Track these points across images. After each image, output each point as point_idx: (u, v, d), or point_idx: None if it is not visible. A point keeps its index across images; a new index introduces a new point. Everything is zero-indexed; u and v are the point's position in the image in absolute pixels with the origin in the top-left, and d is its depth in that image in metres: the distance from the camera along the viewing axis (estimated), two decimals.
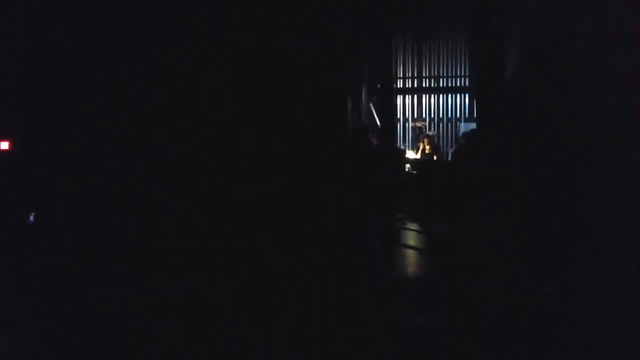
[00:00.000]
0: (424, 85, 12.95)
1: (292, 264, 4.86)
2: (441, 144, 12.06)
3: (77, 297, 4.07)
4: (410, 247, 6.22)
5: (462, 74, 12.73)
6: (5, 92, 5.36)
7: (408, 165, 8.89)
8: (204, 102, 5.55)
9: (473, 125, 10.09)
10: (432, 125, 12.70)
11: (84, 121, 5.40)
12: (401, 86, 12.97)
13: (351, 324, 3.62)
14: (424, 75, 12.93)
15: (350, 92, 7.62)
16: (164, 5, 5.46)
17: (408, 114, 12.90)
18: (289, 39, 5.73)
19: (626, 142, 4.04)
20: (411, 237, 6.71)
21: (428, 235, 6.77)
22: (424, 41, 12.75)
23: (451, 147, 11.95)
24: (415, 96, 12.92)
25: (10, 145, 5.42)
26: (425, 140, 9.27)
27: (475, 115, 11.12)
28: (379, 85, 9.57)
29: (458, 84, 12.79)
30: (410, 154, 10.06)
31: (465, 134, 8.69)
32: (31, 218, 5.29)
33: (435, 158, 9.04)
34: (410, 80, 12.99)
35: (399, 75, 12.89)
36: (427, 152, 9.08)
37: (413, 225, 7.20)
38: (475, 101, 11.14)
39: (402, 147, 11.56)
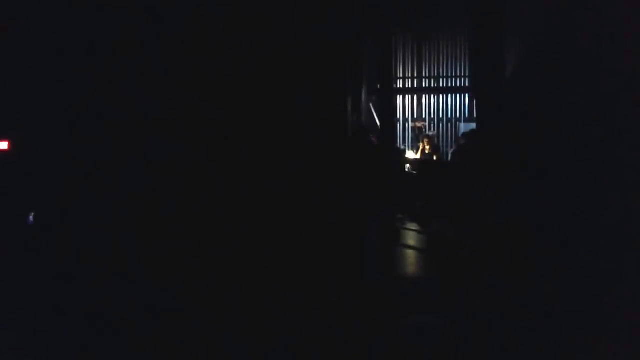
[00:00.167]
0: (423, 85, 12.95)
1: (292, 264, 4.86)
2: (441, 144, 12.07)
3: (77, 297, 4.06)
4: (410, 247, 6.22)
5: (462, 74, 12.73)
6: (5, 92, 5.36)
7: (408, 166, 8.90)
8: (204, 102, 5.55)
9: (473, 126, 10.09)
10: (432, 125, 12.71)
11: (84, 121, 5.39)
12: (401, 86, 12.97)
13: (351, 324, 3.62)
14: (423, 75, 12.94)
15: (350, 92, 7.62)
16: (164, 5, 5.46)
17: (408, 114, 12.91)
18: (288, 39, 5.73)
19: (626, 142, 4.04)
20: (411, 237, 6.70)
21: (428, 235, 6.77)
22: (424, 41, 12.76)
23: (451, 147, 11.96)
24: (415, 96, 12.93)
25: (9, 146, 5.42)
26: (425, 141, 9.27)
27: (475, 116, 11.13)
28: (379, 86, 9.57)
29: (458, 84, 12.80)
30: (410, 154, 10.06)
31: (464, 134, 8.70)
32: (31, 218, 5.29)
33: (435, 158, 9.04)
34: (410, 80, 12.99)
35: (398, 76, 12.90)
36: (427, 152, 9.08)
37: (413, 225, 7.20)
38: (475, 101, 11.14)
39: (402, 147, 11.57)
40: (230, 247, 4.99)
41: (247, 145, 5.53)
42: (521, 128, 5.25)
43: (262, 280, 4.44)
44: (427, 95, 12.88)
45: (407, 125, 12.84)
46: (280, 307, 3.89)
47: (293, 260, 4.92)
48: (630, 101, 4.02)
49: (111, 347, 3.28)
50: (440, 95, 12.82)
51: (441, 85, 12.87)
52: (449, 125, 12.71)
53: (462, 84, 12.74)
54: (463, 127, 11.69)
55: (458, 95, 12.73)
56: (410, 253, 6.00)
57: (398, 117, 12.76)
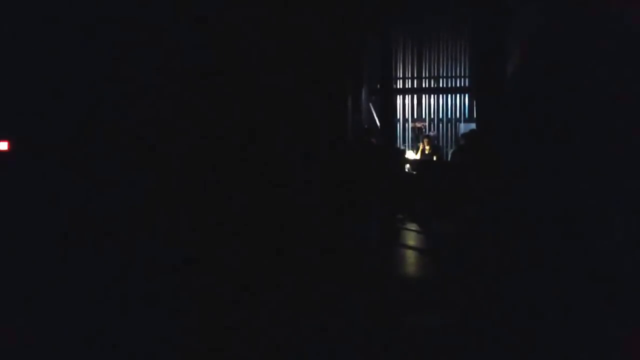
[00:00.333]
0: (423, 85, 12.95)
1: (292, 264, 4.86)
2: (441, 144, 12.07)
3: (77, 297, 4.06)
4: (410, 247, 6.22)
5: (462, 74, 12.73)
6: (4, 92, 5.36)
7: (408, 166, 8.90)
8: (204, 102, 5.55)
9: (473, 126, 10.09)
10: (432, 125, 12.71)
11: (84, 121, 5.39)
12: (401, 86, 12.98)
13: (351, 324, 3.62)
14: (423, 75, 12.94)
15: (350, 92, 7.62)
16: (165, 6, 5.46)
17: (408, 114, 12.91)
18: (289, 39, 5.73)
19: (626, 142, 4.04)
20: (411, 237, 6.70)
21: (428, 235, 6.77)
22: (424, 42, 12.76)
23: (451, 147, 11.96)
24: (415, 96, 12.92)
25: (9, 146, 5.41)
26: (425, 141, 9.28)
27: (475, 116, 11.14)
28: (378, 86, 9.57)
29: (458, 85, 12.80)
30: (410, 155, 10.07)
31: (464, 134, 8.70)
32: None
33: (435, 158, 9.04)
34: (410, 80, 12.99)
35: (398, 76, 12.90)
36: (426, 152, 9.08)
37: (413, 225, 7.20)
38: (474, 102, 11.15)
39: (402, 148, 11.57)
40: (230, 247, 4.99)
41: (247, 145, 5.53)
42: (520, 128, 5.26)
43: (262, 279, 4.44)
44: (427, 96, 12.88)
45: (407, 125, 12.84)
46: (280, 306, 3.89)
47: (293, 260, 4.92)
48: (631, 102, 4.03)
49: (111, 347, 3.28)
50: (440, 96, 12.82)
51: (441, 85, 12.87)
52: (449, 125, 12.71)
53: (462, 84, 12.74)
54: (463, 128, 11.69)
55: (458, 96, 12.73)
56: (410, 253, 6.00)
57: (398, 117, 12.77)
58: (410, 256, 5.89)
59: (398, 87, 12.86)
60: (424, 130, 12.32)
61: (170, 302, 3.99)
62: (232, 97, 5.60)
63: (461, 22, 11.56)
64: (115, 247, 4.90)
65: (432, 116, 12.80)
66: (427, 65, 12.88)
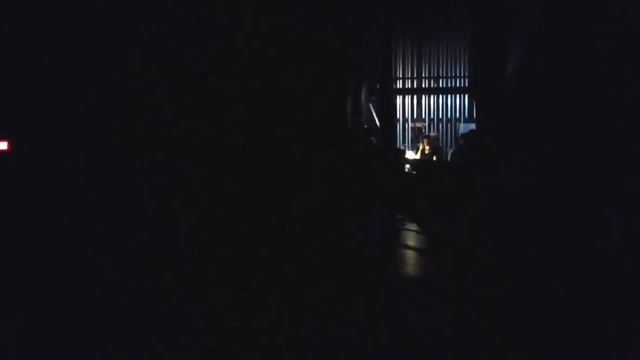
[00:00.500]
0: (423, 85, 12.96)
1: (292, 264, 4.86)
2: (441, 144, 12.08)
3: (77, 297, 4.06)
4: (410, 247, 6.22)
5: (462, 74, 12.74)
6: (4, 91, 5.36)
7: (407, 166, 8.90)
8: (203, 102, 5.55)
9: (472, 126, 10.10)
10: (432, 125, 12.71)
11: (84, 121, 5.39)
12: (401, 86, 12.98)
13: (351, 324, 3.62)
14: (423, 75, 12.94)
15: (350, 92, 7.62)
16: (165, 5, 5.46)
17: (408, 114, 12.91)
18: (289, 39, 5.73)
19: (626, 142, 4.04)
20: (411, 237, 6.70)
21: (428, 235, 6.77)
22: (424, 42, 12.77)
23: (451, 147, 11.97)
24: (415, 97, 12.93)
25: (9, 146, 5.41)
26: (425, 141, 9.29)
27: (474, 116, 11.14)
28: (378, 86, 9.57)
29: (457, 85, 12.81)
30: (410, 155, 10.07)
31: (463, 134, 8.71)
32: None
33: (435, 158, 9.05)
34: (409, 80, 13.00)
35: (398, 76, 12.90)
36: (426, 152, 9.09)
37: (413, 225, 7.20)
38: (474, 102, 11.15)
39: (402, 148, 11.58)
40: (230, 247, 4.99)
41: (247, 145, 5.53)
42: (520, 129, 5.26)
43: (262, 279, 4.44)
44: (426, 96, 12.88)
45: (406, 125, 12.85)
46: (280, 306, 3.89)
47: (293, 260, 4.92)
48: (631, 102, 4.03)
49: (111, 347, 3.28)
50: (440, 96, 12.82)
51: (441, 85, 12.88)
52: (449, 125, 12.71)
53: (462, 85, 12.75)
54: (462, 128, 11.70)
55: (458, 96, 12.74)
56: (410, 253, 6.00)
57: (398, 117, 12.77)
58: (410, 256, 5.89)
59: (398, 87, 12.86)
60: (423, 130, 12.32)
61: (171, 302, 3.99)
62: (231, 97, 5.59)
63: (461, 22, 11.57)
64: (116, 248, 4.90)
65: (432, 116, 12.80)
66: (427, 66, 12.89)
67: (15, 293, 4.16)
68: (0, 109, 5.30)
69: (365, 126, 9.46)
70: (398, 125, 12.74)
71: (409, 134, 12.74)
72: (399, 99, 12.83)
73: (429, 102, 12.85)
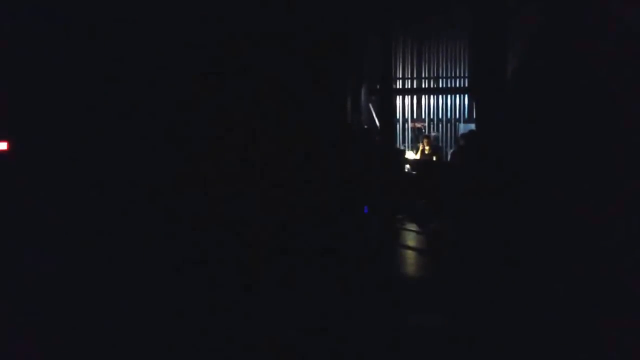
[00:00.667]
0: (423, 85, 12.96)
1: (293, 264, 4.86)
2: (441, 144, 12.08)
3: (77, 296, 4.06)
4: (410, 248, 6.22)
5: (462, 74, 12.74)
6: (4, 92, 5.35)
7: (407, 166, 8.91)
8: (203, 102, 5.55)
9: (472, 126, 10.10)
10: (432, 126, 12.72)
11: (84, 121, 5.39)
12: (401, 87, 12.98)
13: (351, 324, 3.62)
14: (423, 76, 12.94)
15: (350, 92, 7.62)
16: (165, 5, 5.46)
17: (407, 114, 12.91)
18: (289, 39, 5.73)
19: (627, 142, 4.04)
20: (411, 237, 6.71)
21: (428, 235, 6.77)
22: (424, 42, 12.77)
23: (451, 147, 11.97)
24: (415, 97, 12.93)
25: (8, 146, 5.41)
26: (425, 141, 9.29)
27: (474, 116, 11.14)
28: (378, 86, 9.57)
29: (457, 85, 12.81)
30: (410, 155, 10.07)
31: (463, 135, 8.71)
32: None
33: (434, 159, 9.05)
34: (409, 80, 13.00)
35: (398, 76, 12.90)
36: (426, 152, 9.09)
37: (413, 226, 7.20)
38: (474, 102, 11.15)
39: (402, 148, 11.58)
40: (230, 246, 4.99)
41: (247, 145, 5.53)
42: (520, 129, 5.26)
43: (262, 278, 4.44)
44: (426, 96, 12.89)
45: (406, 125, 12.85)
46: (281, 307, 3.89)
47: (293, 260, 4.92)
48: (631, 102, 4.03)
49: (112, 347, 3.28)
50: (440, 96, 12.82)
51: (441, 85, 12.88)
52: (449, 125, 12.71)
53: (462, 85, 12.75)
54: (462, 128, 11.70)
55: (457, 96, 12.74)
56: (410, 253, 6.00)
57: (398, 117, 12.77)
58: (410, 256, 5.89)
59: (398, 87, 12.87)
60: (423, 130, 12.33)
61: (170, 302, 3.99)
62: (231, 97, 5.59)
63: (461, 22, 11.57)
64: (116, 248, 4.90)
65: (431, 116, 12.80)
66: (426, 66, 12.89)
67: (15, 293, 4.16)
68: (0, 109, 5.30)
69: (365, 126, 9.45)
70: (398, 125, 12.74)
71: (408, 134, 12.74)
72: (398, 99, 12.83)
73: (428, 102, 12.85)
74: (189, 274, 4.58)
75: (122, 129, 5.36)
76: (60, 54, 5.38)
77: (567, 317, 3.55)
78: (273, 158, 5.54)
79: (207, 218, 5.24)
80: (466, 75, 12.62)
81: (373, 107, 11.15)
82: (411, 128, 12.65)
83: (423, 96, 12.90)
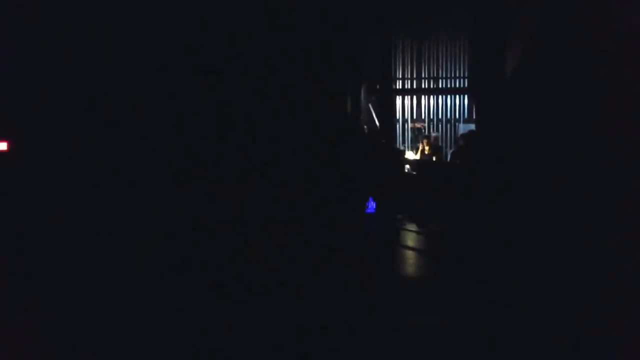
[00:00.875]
0: (423, 86, 12.95)
1: (292, 264, 4.86)
2: (440, 144, 12.07)
3: (77, 297, 4.06)
4: (410, 248, 6.22)
5: (461, 75, 12.74)
6: (4, 92, 5.35)
7: (407, 166, 8.90)
8: (203, 102, 5.55)
9: (472, 127, 10.09)
10: (432, 126, 12.71)
11: (84, 121, 5.39)
12: (400, 87, 12.98)
13: (351, 324, 3.61)
14: (423, 76, 12.94)
15: (350, 92, 7.62)
16: (165, 5, 5.45)
17: (407, 114, 12.91)
18: (289, 39, 5.73)
19: (626, 142, 4.04)
20: (411, 237, 6.71)
21: (428, 235, 6.77)
22: (424, 42, 12.76)
23: (450, 148, 11.97)
24: (415, 97, 12.92)
25: (8, 146, 5.40)
26: (425, 141, 9.29)
27: (474, 117, 11.14)
28: (378, 86, 9.56)
29: (457, 85, 12.80)
30: (410, 155, 10.07)
31: (463, 135, 8.71)
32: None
33: (434, 159, 9.05)
34: (409, 81, 12.99)
35: (398, 76, 12.90)
36: (426, 152, 9.09)
37: (413, 226, 7.20)
38: (474, 102, 11.15)
39: (402, 148, 11.57)
40: (230, 246, 4.99)
41: (247, 145, 5.53)
42: (520, 129, 5.26)
43: (262, 278, 4.43)
44: (426, 96, 12.88)
45: (406, 126, 12.85)
46: (280, 306, 3.89)
47: (293, 260, 4.92)
48: (631, 102, 4.03)
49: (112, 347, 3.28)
50: (440, 96, 12.82)
51: (440, 86, 12.88)
52: (448, 126, 12.71)
53: (462, 85, 12.75)
54: (462, 128, 11.70)
55: (457, 96, 12.73)
56: (410, 253, 6.00)
57: (397, 117, 12.77)
58: (410, 256, 5.89)
59: (397, 87, 12.86)
60: (423, 130, 12.32)
61: (170, 302, 3.99)
62: (231, 97, 5.59)
63: (461, 22, 11.56)
64: (115, 248, 4.90)
65: (431, 117, 12.80)
66: (426, 66, 12.89)
67: (14, 293, 4.15)
68: (0, 109, 5.30)
69: (365, 126, 9.45)
70: (398, 125, 12.74)
71: (408, 135, 12.74)
72: (398, 100, 12.82)
73: (428, 103, 12.85)
74: (189, 274, 4.57)
75: (122, 129, 5.36)
76: (60, 53, 5.38)
77: (567, 316, 3.55)
78: (273, 158, 5.54)
79: (207, 218, 5.24)
80: (466, 75, 12.61)
81: (373, 107, 11.15)
82: (411, 128, 12.65)
83: (423, 96, 12.89)
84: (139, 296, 4.09)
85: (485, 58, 5.62)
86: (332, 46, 6.07)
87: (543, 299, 3.87)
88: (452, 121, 12.67)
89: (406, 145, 12.42)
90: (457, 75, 12.74)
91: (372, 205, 6.47)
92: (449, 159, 10.14)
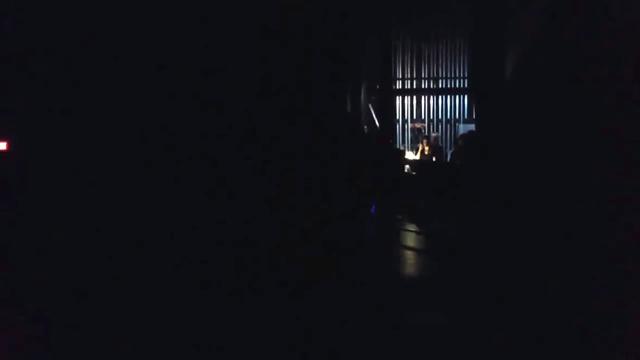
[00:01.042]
0: (423, 86, 12.96)
1: (292, 263, 4.86)
2: (440, 144, 12.08)
3: (77, 296, 4.06)
4: (410, 248, 6.22)
5: (461, 75, 12.75)
6: (4, 92, 5.35)
7: (407, 166, 8.90)
8: (203, 102, 5.55)
9: (472, 127, 10.10)
10: (432, 126, 12.72)
11: (84, 121, 5.38)
12: (400, 87, 12.98)
13: (351, 324, 3.61)
14: (422, 76, 12.94)
15: (350, 93, 7.62)
16: (165, 5, 5.45)
17: (407, 115, 12.91)
18: (289, 39, 5.73)
19: (627, 142, 4.04)
20: (411, 237, 6.71)
21: (428, 235, 6.77)
22: (423, 42, 12.77)
23: (450, 148, 11.97)
24: (414, 97, 12.93)
25: (8, 146, 5.40)
26: (424, 141, 9.30)
27: (474, 117, 11.14)
28: (378, 86, 9.57)
29: (457, 85, 12.81)
30: (410, 155, 10.08)
31: (463, 135, 8.71)
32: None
33: (434, 159, 9.06)
34: (409, 81, 13.00)
35: (398, 76, 12.90)
36: (426, 153, 9.10)
37: (412, 226, 7.20)
38: (474, 102, 11.16)
39: (402, 148, 11.58)
40: (230, 246, 4.99)
41: (247, 145, 5.53)
42: (520, 129, 5.26)
43: (262, 280, 4.43)
44: (426, 96, 12.89)
45: (406, 126, 12.85)
46: (280, 306, 3.89)
47: (293, 260, 4.92)
48: (631, 102, 4.03)
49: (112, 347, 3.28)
50: (440, 96, 12.83)
51: (440, 86, 12.88)
52: (448, 126, 12.72)
53: (461, 85, 12.76)
54: (462, 128, 11.71)
55: (457, 97, 12.74)
56: (410, 253, 6.00)
57: (397, 118, 12.77)
58: (410, 256, 5.89)
59: (397, 87, 12.87)
60: (423, 131, 12.33)
61: (170, 302, 3.99)
62: (231, 97, 5.59)
63: (461, 21, 11.57)
64: (116, 247, 4.89)
65: (431, 117, 12.80)
66: (426, 66, 12.89)
67: (14, 292, 4.15)
68: (1, 109, 5.30)
69: (365, 127, 9.46)
70: (398, 125, 12.75)
71: (408, 135, 12.74)
72: (398, 100, 12.83)
73: (428, 103, 12.86)
74: (189, 273, 4.57)
75: (122, 129, 5.36)
76: (59, 54, 5.38)
77: (567, 316, 3.55)
78: (273, 158, 5.54)
79: (207, 217, 5.23)
80: (466, 75, 12.62)
81: (373, 107, 11.15)
82: (411, 128, 12.65)
83: (423, 96, 12.90)
84: (139, 296, 4.09)
85: (485, 58, 5.62)
86: (332, 46, 6.07)
87: (543, 298, 3.87)
88: (452, 121, 12.68)
89: (406, 145, 12.42)
90: (457, 75, 12.75)
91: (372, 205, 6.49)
92: (449, 159, 10.15)
